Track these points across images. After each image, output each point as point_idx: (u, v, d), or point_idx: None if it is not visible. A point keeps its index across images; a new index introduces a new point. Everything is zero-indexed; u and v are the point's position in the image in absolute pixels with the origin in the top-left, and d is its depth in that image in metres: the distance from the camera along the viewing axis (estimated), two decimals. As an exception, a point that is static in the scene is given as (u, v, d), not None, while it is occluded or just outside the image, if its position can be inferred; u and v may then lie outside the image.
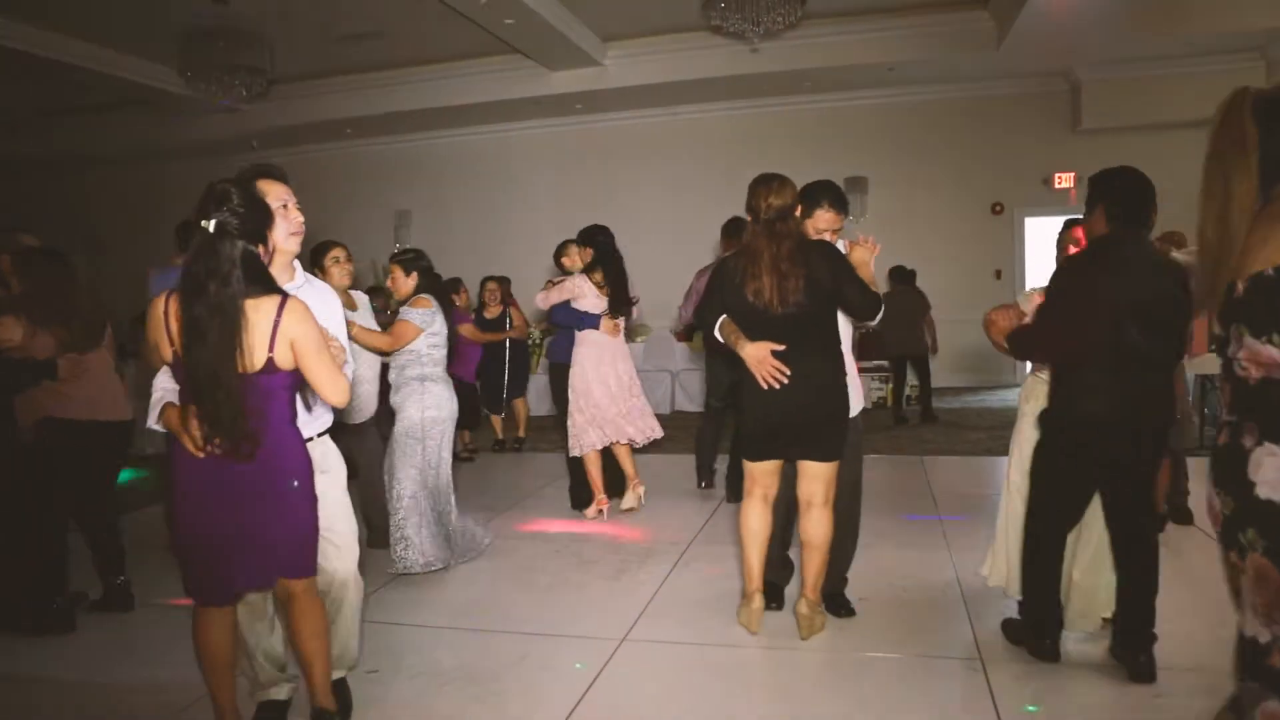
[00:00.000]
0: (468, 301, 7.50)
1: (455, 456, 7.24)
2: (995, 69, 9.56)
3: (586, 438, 5.28)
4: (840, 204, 3.53)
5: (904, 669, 3.18)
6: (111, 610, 3.97)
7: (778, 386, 3.22)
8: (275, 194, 2.57)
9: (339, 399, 2.44)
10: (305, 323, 2.37)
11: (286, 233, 2.59)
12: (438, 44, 9.51)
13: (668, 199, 11.09)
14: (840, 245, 3.54)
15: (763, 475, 3.44)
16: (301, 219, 2.64)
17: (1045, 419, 3.13)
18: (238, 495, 2.38)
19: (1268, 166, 1.70)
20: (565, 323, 5.33)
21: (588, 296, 5.25)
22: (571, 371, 5.33)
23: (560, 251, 6.05)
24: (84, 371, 3.82)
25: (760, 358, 3.23)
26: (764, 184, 3.27)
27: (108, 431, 3.90)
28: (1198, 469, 4.98)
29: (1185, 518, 4.73)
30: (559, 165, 11.71)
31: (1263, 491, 1.63)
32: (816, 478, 3.37)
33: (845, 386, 3.37)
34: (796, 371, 3.22)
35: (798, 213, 3.32)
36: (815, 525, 3.39)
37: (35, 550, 3.79)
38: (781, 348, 3.22)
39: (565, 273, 5.72)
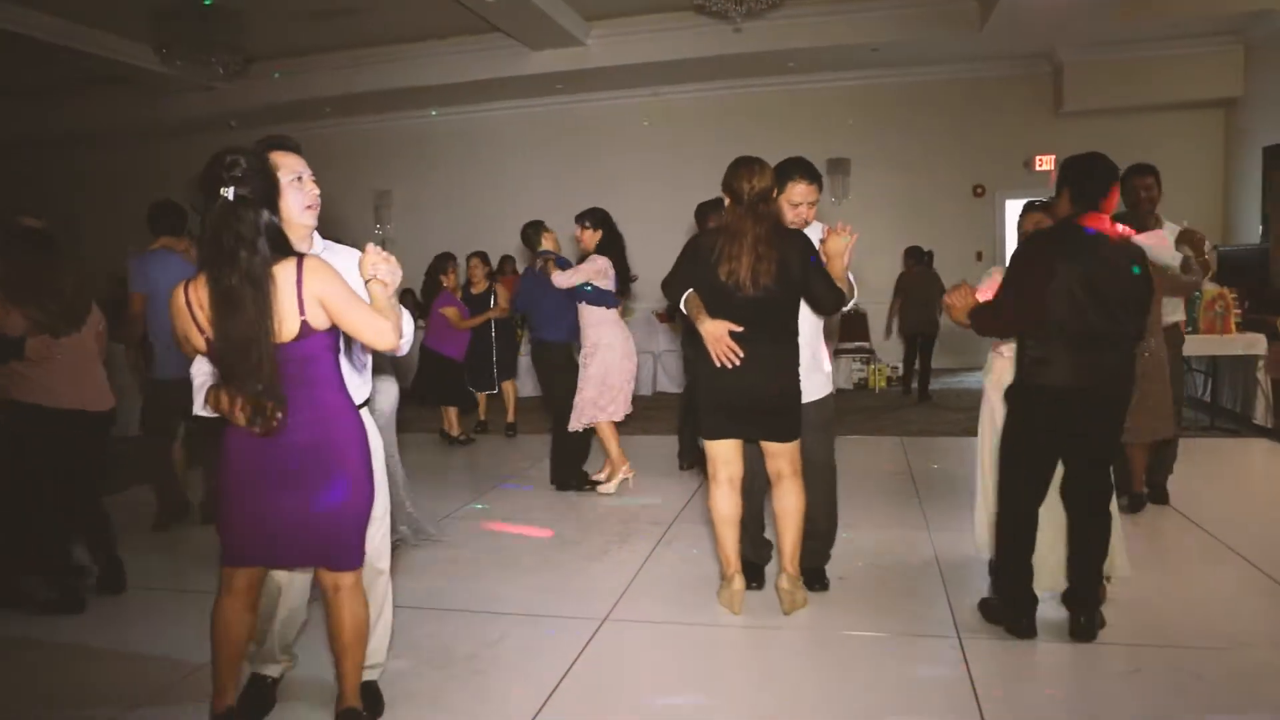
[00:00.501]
0: (455, 282, 7.39)
1: (454, 440, 7.27)
2: (978, 51, 9.56)
3: (597, 411, 5.40)
4: (813, 176, 3.54)
5: (884, 646, 3.20)
6: (104, 591, 3.92)
7: (729, 366, 3.28)
8: (289, 166, 2.47)
9: (386, 342, 2.34)
10: (328, 277, 2.30)
11: (301, 206, 2.50)
12: (419, 22, 9.40)
13: (650, 180, 11.05)
14: (818, 230, 3.55)
15: (723, 455, 3.47)
16: (317, 192, 2.55)
17: (1009, 393, 3.30)
18: (290, 473, 2.34)
19: None
20: (598, 302, 5.38)
21: (610, 278, 5.36)
22: (599, 350, 5.38)
23: (537, 232, 5.89)
24: (52, 356, 3.71)
25: (718, 335, 3.29)
26: (746, 166, 3.28)
27: (66, 420, 3.73)
28: (1186, 450, 5.06)
29: (1162, 498, 4.76)
30: (541, 145, 11.64)
31: None
32: (779, 455, 3.44)
33: (797, 371, 3.43)
34: (753, 353, 3.28)
35: (774, 194, 3.35)
36: (786, 495, 3.44)
37: (29, 528, 3.77)
38: (739, 329, 3.27)
39: (544, 252, 5.69)
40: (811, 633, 3.34)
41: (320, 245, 2.66)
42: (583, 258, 5.47)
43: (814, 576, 3.73)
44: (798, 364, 3.43)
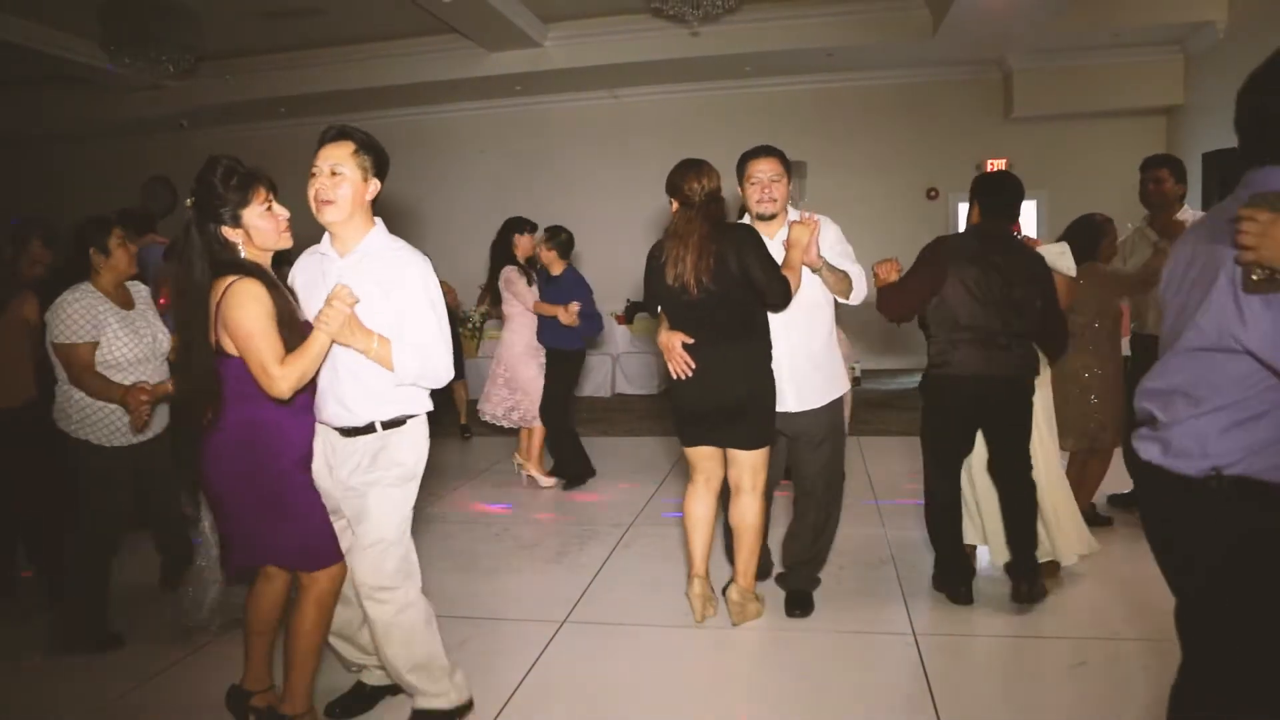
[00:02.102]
0: None
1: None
2: (931, 57, 9.70)
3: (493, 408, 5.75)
4: (771, 151, 3.37)
5: (841, 645, 3.26)
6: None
7: (683, 377, 3.24)
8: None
9: (272, 390, 2.35)
10: (237, 307, 2.33)
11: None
12: (374, 22, 9.30)
13: (608, 182, 11.06)
14: (794, 217, 3.39)
15: (700, 461, 3.41)
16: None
17: (920, 384, 3.74)
18: (229, 474, 2.46)
19: None
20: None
21: (512, 282, 5.61)
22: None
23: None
24: None
25: (669, 346, 3.25)
26: (693, 168, 3.23)
27: None
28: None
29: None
30: (498, 147, 11.58)
31: None
32: (741, 464, 3.33)
33: (765, 373, 3.27)
34: (709, 356, 3.21)
35: (722, 194, 3.27)
36: (741, 511, 3.36)
37: None
38: (690, 340, 3.21)
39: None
40: (769, 633, 3.38)
41: (382, 244, 2.53)
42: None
43: (797, 600, 3.54)
44: (764, 364, 3.27)
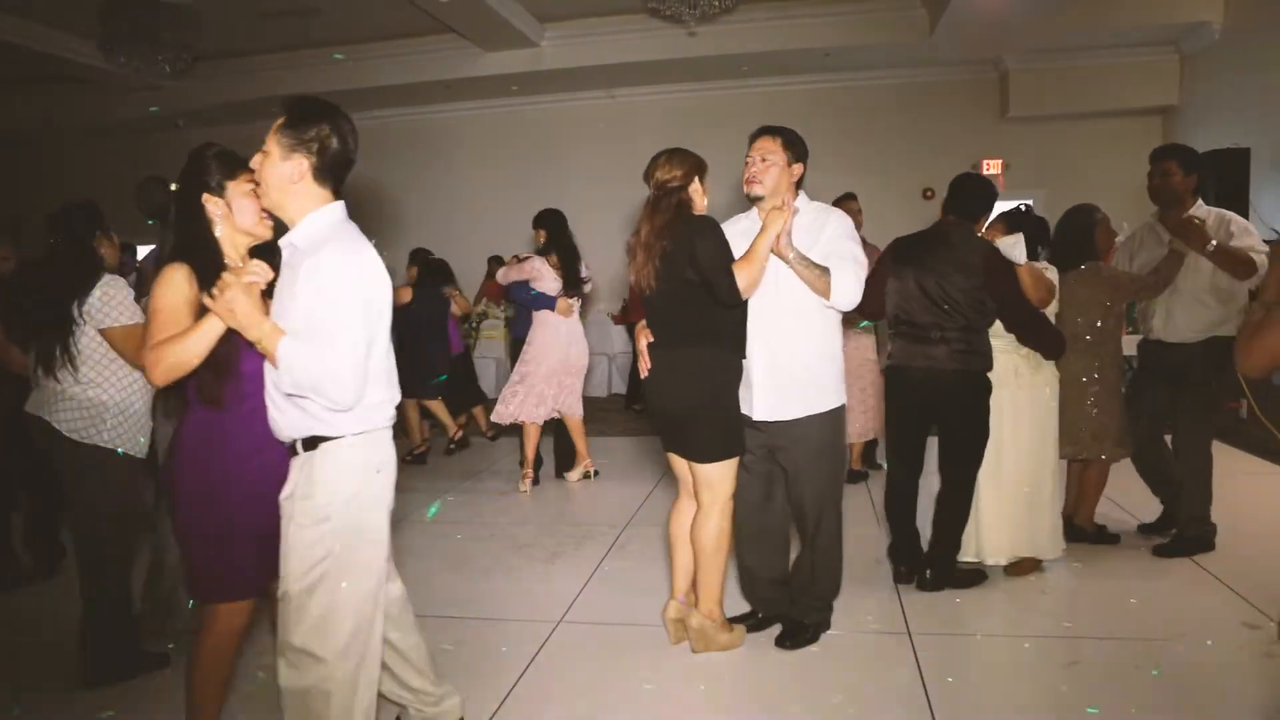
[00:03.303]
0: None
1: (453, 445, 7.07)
2: (927, 57, 9.71)
3: (515, 409, 5.56)
4: (769, 130, 3.18)
5: (837, 643, 3.25)
6: None
7: (644, 375, 3.14)
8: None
9: (147, 380, 2.26)
10: (154, 290, 2.21)
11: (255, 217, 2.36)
12: (371, 22, 9.30)
13: (605, 182, 11.05)
14: (805, 203, 3.21)
15: (675, 468, 3.22)
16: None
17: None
18: (177, 480, 2.34)
19: None
20: (521, 302, 5.58)
21: (545, 279, 5.46)
22: (526, 349, 5.60)
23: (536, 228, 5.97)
24: None
25: (639, 344, 3.15)
26: (658, 158, 3.12)
27: None
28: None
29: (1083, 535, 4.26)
30: (495, 147, 11.56)
31: None
32: (697, 477, 3.09)
33: (718, 383, 3.02)
34: (662, 359, 3.06)
35: (693, 187, 3.07)
36: (695, 527, 3.12)
37: None
38: (650, 339, 3.10)
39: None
40: (764, 633, 3.36)
41: (307, 231, 2.15)
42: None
43: (788, 630, 3.27)
44: (718, 374, 3.01)
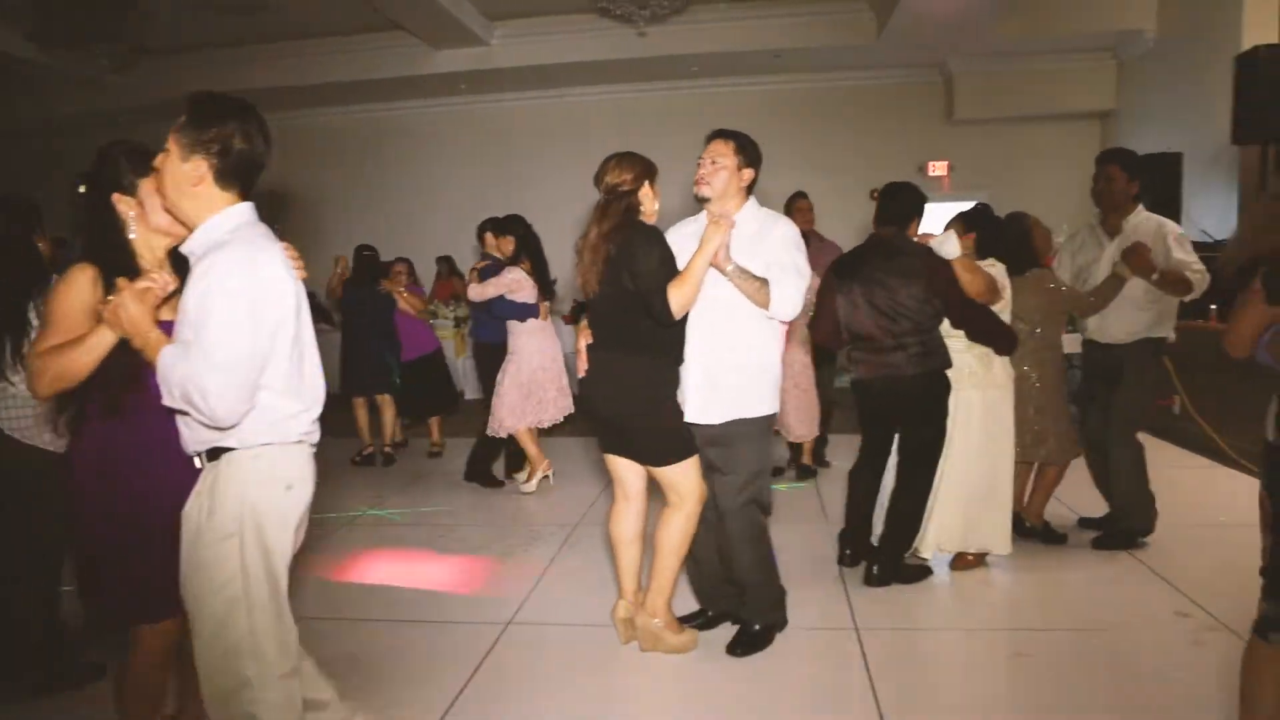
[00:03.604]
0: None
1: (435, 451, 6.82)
2: (875, 60, 9.85)
3: (515, 419, 5.42)
4: (721, 134, 3.17)
5: (785, 641, 3.27)
6: None
7: (580, 375, 3.14)
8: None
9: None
10: (55, 291, 2.11)
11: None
12: (319, 18, 9.15)
13: (556, 182, 11.02)
14: (753, 210, 3.19)
15: (612, 469, 3.21)
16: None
17: None
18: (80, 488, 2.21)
19: None
20: (511, 316, 5.39)
21: (526, 289, 5.36)
22: (513, 359, 5.46)
23: (481, 233, 5.82)
24: None
25: (578, 344, 3.15)
26: (607, 161, 3.11)
27: None
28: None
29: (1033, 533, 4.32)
30: (444, 146, 11.45)
31: None
32: (660, 481, 3.08)
33: (652, 392, 3.01)
34: (599, 363, 3.05)
35: (643, 191, 3.06)
36: (659, 525, 3.12)
37: None
38: (589, 341, 3.10)
39: (489, 255, 5.66)
40: (719, 632, 3.36)
41: (203, 237, 1.97)
42: (501, 264, 5.47)
43: (742, 638, 3.20)
44: (651, 383, 3.01)
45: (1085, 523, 4.44)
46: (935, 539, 3.85)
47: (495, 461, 5.84)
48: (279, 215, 11.60)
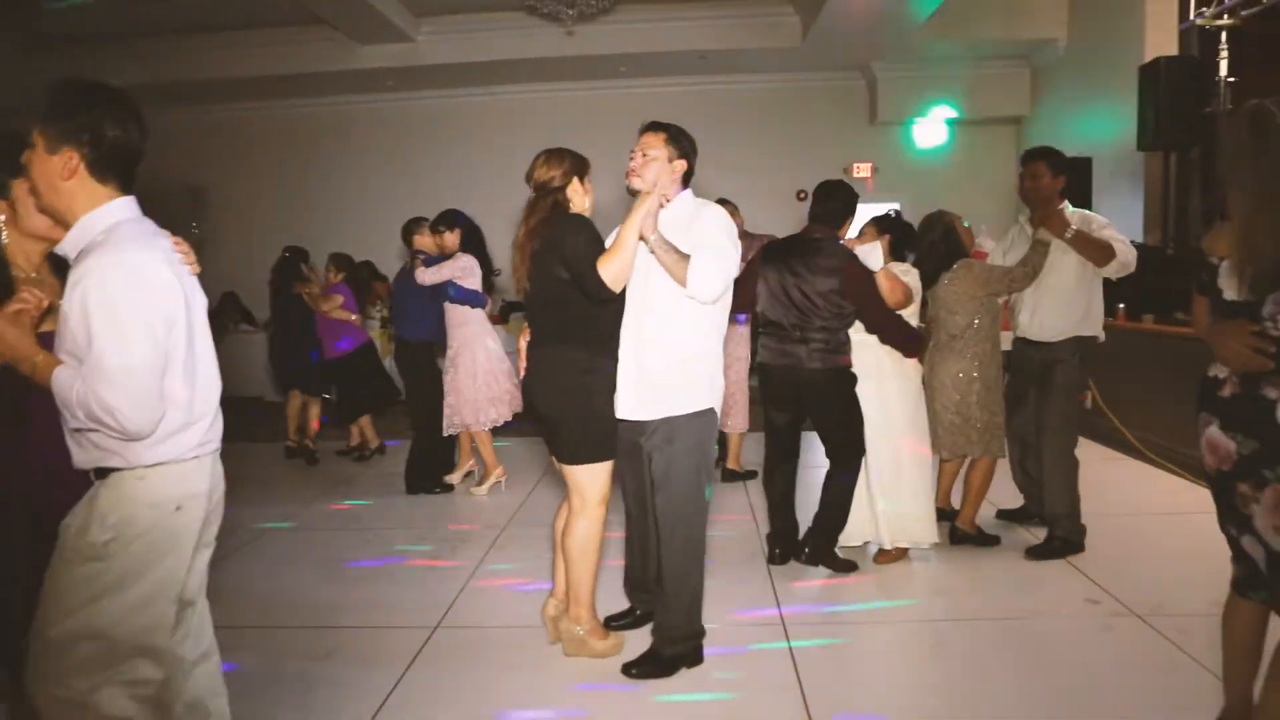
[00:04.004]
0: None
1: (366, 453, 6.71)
2: (800, 62, 10.01)
3: (478, 416, 5.30)
4: (652, 126, 3.10)
5: (712, 636, 3.28)
6: None
7: (520, 374, 3.15)
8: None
9: None
10: None
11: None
12: (238, 9, 8.91)
13: (482, 180, 10.91)
14: (688, 200, 3.09)
15: (559, 468, 3.15)
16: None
17: None
18: None
19: None
20: (465, 301, 5.25)
21: (474, 276, 5.25)
22: (464, 353, 5.31)
23: (412, 230, 5.70)
24: None
25: (519, 343, 3.17)
26: (538, 158, 3.12)
27: None
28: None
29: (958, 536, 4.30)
30: (369, 143, 11.25)
31: None
32: (567, 478, 3.06)
33: (578, 385, 2.97)
34: (533, 359, 3.05)
35: (573, 186, 3.06)
36: (565, 531, 3.10)
37: None
38: (527, 338, 3.12)
39: (417, 252, 5.53)
40: (640, 633, 3.34)
41: (74, 238, 1.86)
42: (443, 259, 5.38)
43: (644, 660, 3.04)
44: (578, 375, 2.96)
45: (1003, 515, 4.58)
46: (861, 531, 3.98)
47: (443, 467, 5.67)
48: (199, 214, 11.32)
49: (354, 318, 6.58)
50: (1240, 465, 2.16)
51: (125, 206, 1.88)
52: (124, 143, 1.85)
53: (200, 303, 1.95)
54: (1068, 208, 4.08)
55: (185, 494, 1.88)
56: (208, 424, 1.93)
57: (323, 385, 6.81)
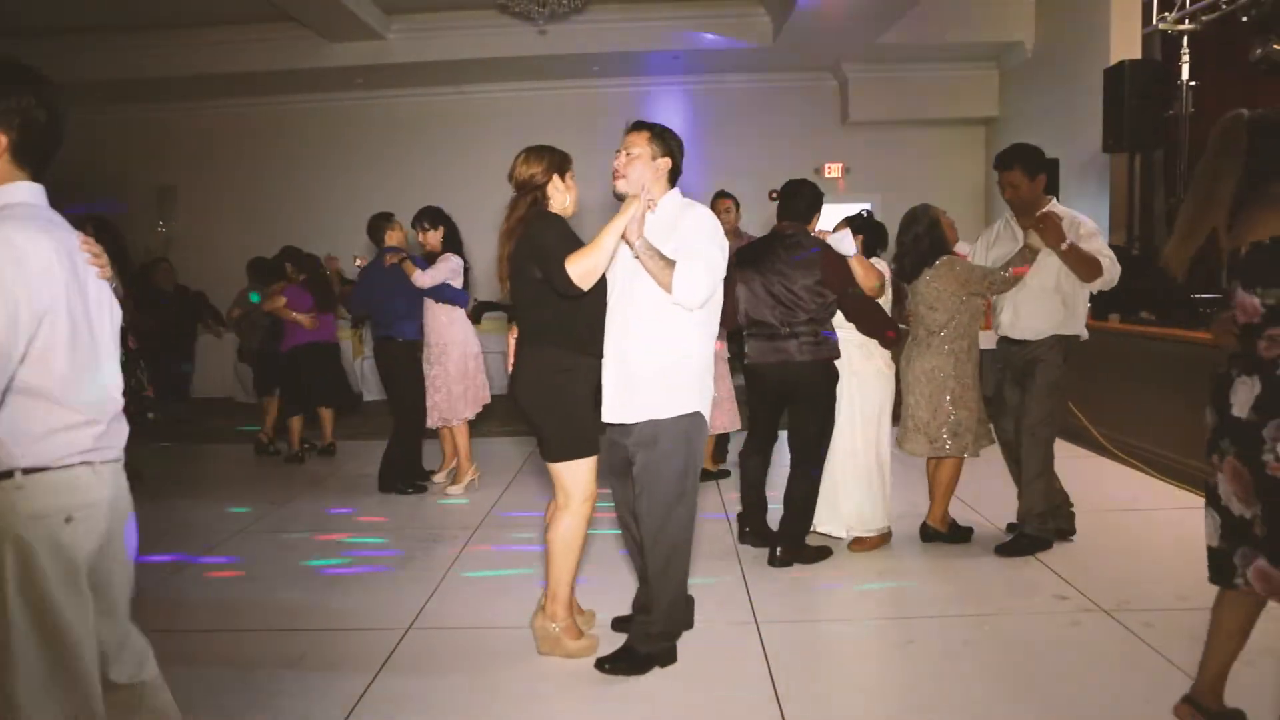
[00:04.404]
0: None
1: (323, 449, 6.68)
2: (772, 63, 10.05)
3: (455, 411, 5.38)
4: (635, 126, 3.10)
5: (688, 636, 3.28)
6: None
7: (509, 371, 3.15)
8: None
9: None
10: None
11: None
12: (204, 5, 8.79)
13: (454, 180, 10.85)
14: (675, 200, 3.08)
15: (548, 467, 3.13)
16: None
17: None
18: None
19: (1253, 167, 2.27)
20: (456, 302, 5.34)
21: (461, 276, 5.34)
22: (448, 350, 5.36)
23: (383, 226, 5.63)
24: None
25: (508, 341, 3.21)
26: (517, 156, 3.10)
27: None
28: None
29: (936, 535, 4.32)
30: (339, 142, 11.14)
31: (1235, 411, 2.24)
32: (551, 474, 3.06)
33: (552, 385, 2.97)
34: (520, 355, 3.06)
35: (553, 184, 3.04)
36: (549, 527, 3.11)
37: None
38: (515, 336, 3.14)
39: (390, 249, 5.50)
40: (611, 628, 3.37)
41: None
42: (430, 257, 5.36)
43: (619, 655, 3.04)
44: (554, 368, 2.96)
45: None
46: (828, 518, 4.10)
47: (418, 466, 5.71)
48: (166, 213, 11.16)
49: (299, 318, 6.49)
50: (1209, 438, 2.36)
51: (31, 191, 1.80)
52: (51, 129, 1.81)
53: (106, 303, 1.86)
54: (1056, 205, 4.00)
55: (74, 504, 1.75)
56: (100, 430, 1.80)
57: (272, 383, 6.88)
